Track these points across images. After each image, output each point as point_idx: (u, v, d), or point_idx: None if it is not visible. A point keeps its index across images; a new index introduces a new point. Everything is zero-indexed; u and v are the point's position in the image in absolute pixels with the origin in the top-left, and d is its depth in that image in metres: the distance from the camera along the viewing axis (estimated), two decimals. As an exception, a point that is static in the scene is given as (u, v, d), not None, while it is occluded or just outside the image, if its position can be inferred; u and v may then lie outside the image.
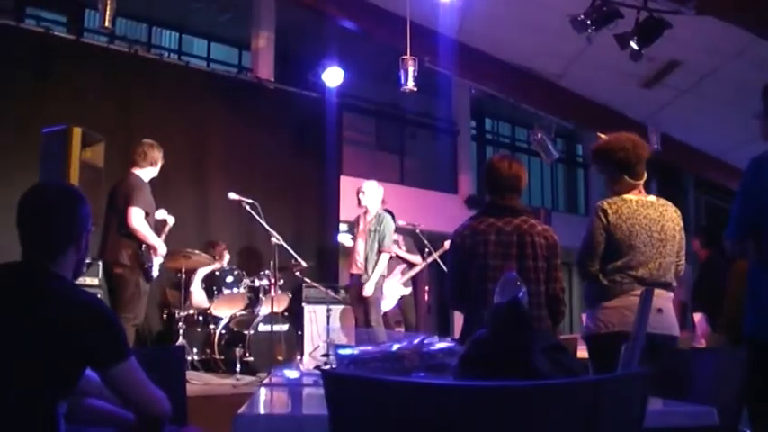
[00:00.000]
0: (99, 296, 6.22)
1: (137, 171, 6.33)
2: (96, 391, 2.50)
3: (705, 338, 6.27)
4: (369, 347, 2.31)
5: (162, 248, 6.33)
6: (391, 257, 7.78)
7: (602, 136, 4.13)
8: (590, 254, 3.71)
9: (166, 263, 6.93)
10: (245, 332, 7.33)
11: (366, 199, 7.51)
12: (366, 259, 7.38)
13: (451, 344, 2.17)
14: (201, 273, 7.97)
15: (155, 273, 6.41)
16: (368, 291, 7.28)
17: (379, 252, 7.35)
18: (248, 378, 6.89)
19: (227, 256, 8.27)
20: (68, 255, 2.39)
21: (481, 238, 3.79)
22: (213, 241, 8.45)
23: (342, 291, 8.85)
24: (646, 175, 3.85)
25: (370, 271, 7.35)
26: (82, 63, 8.30)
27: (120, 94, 8.47)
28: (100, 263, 6.46)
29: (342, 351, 2.35)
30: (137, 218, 6.10)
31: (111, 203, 6.24)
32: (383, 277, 7.55)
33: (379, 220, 7.42)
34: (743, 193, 3.30)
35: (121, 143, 7.37)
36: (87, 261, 5.47)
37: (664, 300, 3.70)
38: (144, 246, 6.21)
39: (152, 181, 6.51)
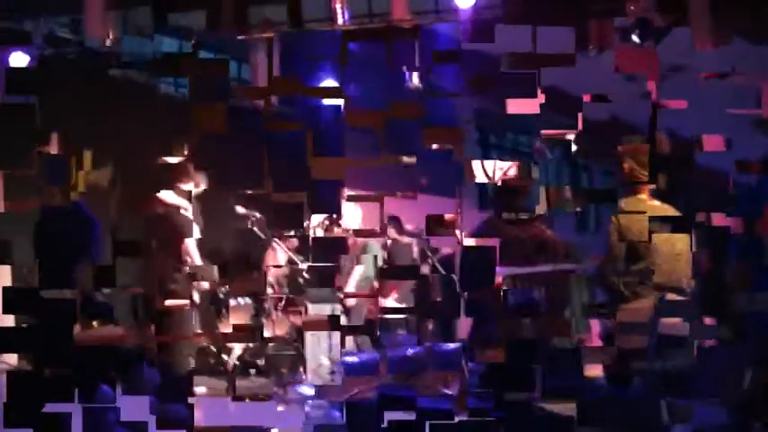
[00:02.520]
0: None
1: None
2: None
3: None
4: (375, 354, 2.32)
5: None
6: None
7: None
8: (608, 258, 3.74)
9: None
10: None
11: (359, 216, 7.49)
12: None
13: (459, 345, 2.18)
14: None
15: None
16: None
17: None
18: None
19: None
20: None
21: (498, 243, 3.78)
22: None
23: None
24: (652, 179, 3.89)
25: None
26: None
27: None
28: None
29: (349, 358, 2.36)
30: None
31: None
32: None
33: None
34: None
35: (128, 164, 7.33)
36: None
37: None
38: None
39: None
